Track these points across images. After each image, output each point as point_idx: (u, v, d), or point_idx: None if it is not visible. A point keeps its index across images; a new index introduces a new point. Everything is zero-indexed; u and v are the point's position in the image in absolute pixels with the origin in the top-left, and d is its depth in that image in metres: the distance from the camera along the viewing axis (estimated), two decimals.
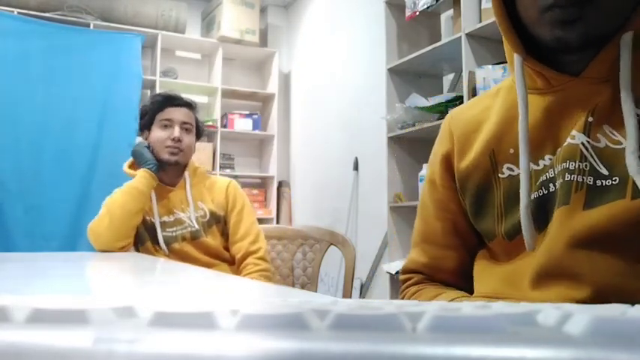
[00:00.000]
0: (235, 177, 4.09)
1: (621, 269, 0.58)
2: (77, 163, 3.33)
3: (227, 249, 1.66)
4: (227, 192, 1.69)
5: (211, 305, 0.22)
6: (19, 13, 3.40)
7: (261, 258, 1.60)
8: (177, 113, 1.67)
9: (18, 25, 3.31)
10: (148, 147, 1.65)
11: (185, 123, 1.68)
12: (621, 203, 0.58)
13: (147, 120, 1.68)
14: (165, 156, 1.64)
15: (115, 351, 0.17)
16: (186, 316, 0.20)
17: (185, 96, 1.75)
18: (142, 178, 1.59)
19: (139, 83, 3.61)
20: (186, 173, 1.68)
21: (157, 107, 1.67)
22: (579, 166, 0.62)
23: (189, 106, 1.72)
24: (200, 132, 1.76)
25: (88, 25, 3.59)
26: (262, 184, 4.35)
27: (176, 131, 1.64)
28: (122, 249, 1.58)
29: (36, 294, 0.61)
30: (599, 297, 0.57)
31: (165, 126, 1.66)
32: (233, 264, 1.64)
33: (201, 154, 3.86)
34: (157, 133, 1.66)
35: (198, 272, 1.04)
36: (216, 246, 1.63)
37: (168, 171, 1.66)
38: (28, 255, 1.48)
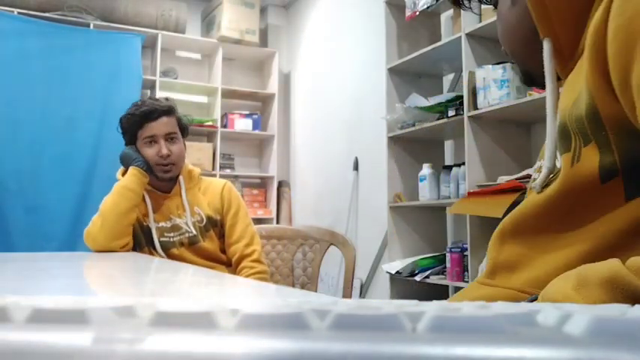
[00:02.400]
0: (235, 177, 4.09)
1: (518, 255, 0.61)
2: (77, 163, 3.33)
3: (224, 251, 1.66)
4: (222, 195, 1.67)
5: (211, 305, 0.22)
6: (19, 13, 3.40)
7: (256, 260, 1.60)
8: (158, 127, 1.61)
9: (18, 25, 3.31)
10: (137, 150, 1.62)
11: (169, 134, 1.62)
12: (531, 197, 0.61)
13: (129, 138, 1.64)
14: (159, 174, 1.62)
15: (115, 351, 0.17)
16: (186, 316, 0.20)
17: (161, 98, 1.70)
18: (131, 176, 1.58)
19: (139, 83, 3.62)
20: (181, 178, 1.67)
21: (135, 126, 1.61)
22: None
23: (168, 113, 1.64)
24: (185, 130, 1.70)
25: (88, 25, 3.59)
26: (262, 184, 4.35)
27: (163, 148, 1.59)
28: (123, 248, 1.57)
29: (36, 294, 0.61)
30: (495, 274, 0.63)
31: (150, 142, 1.61)
32: (230, 266, 1.64)
33: (201, 154, 3.86)
34: (145, 152, 1.62)
35: (198, 272, 1.05)
36: (213, 250, 1.63)
37: (163, 179, 1.65)
38: (28, 255, 1.48)
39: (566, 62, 0.63)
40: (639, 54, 0.48)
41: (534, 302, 0.52)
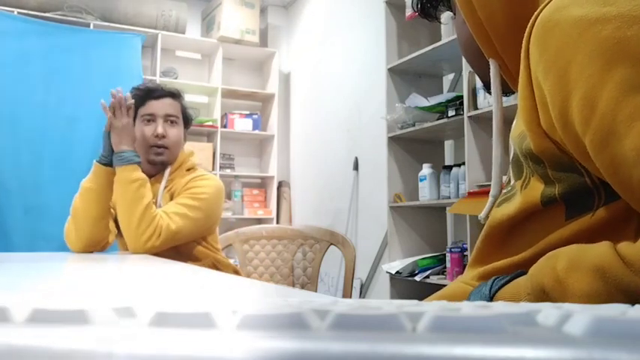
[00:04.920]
0: (235, 177, 4.10)
1: (480, 255, 0.64)
2: (77, 163, 3.33)
3: (199, 243, 1.56)
4: (187, 185, 1.53)
5: (211, 305, 0.22)
6: (19, 13, 3.40)
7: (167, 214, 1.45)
8: (160, 106, 1.55)
9: (18, 25, 3.31)
10: (108, 136, 1.49)
11: (169, 116, 1.55)
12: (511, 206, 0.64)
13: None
14: (150, 157, 1.54)
15: (115, 351, 0.17)
16: (186, 316, 0.20)
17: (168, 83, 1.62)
18: (91, 174, 1.50)
19: (139, 83, 3.61)
20: (168, 170, 1.56)
21: (138, 102, 1.54)
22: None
23: (173, 95, 1.58)
24: (188, 120, 1.63)
25: (88, 25, 3.59)
26: (262, 184, 4.35)
27: (159, 127, 1.53)
28: (104, 248, 1.51)
29: (36, 294, 0.61)
30: (484, 278, 0.63)
31: (149, 121, 1.54)
32: (199, 260, 1.53)
33: (201, 154, 3.86)
34: (141, 130, 1.54)
35: (198, 272, 1.04)
36: (185, 247, 1.52)
37: (153, 162, 1.56)
38: (28, 255, 1.47)
39: (515, 81, 0.63)
40: (574, 89, 0.48)
41: (519, 278, 0.54)
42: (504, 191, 0.68)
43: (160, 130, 1.53)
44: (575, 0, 0.49)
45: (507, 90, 0.68)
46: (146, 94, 1.56)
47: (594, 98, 0.46)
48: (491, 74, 0.65)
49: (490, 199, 0.67)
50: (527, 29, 0.54)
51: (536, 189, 0.58)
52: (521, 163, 0.62)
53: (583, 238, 0.54)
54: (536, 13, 0.53)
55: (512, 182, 0.66)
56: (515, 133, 0.62)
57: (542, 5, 0.53)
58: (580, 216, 0.55)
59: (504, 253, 0.62)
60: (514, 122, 0.64)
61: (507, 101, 2.07)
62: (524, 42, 0.54)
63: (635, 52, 0.45)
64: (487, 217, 0.67)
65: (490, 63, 0.65)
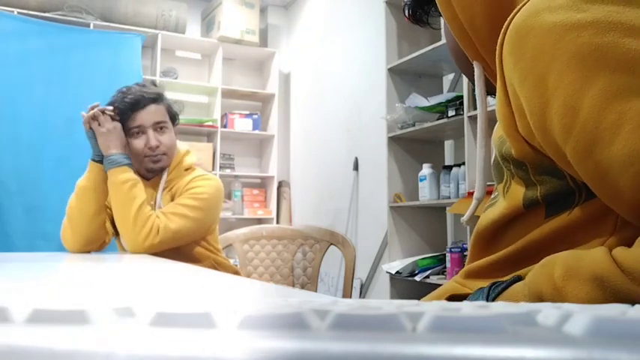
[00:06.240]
0: (235, 177, 4.09)
1: (483, 260, 0.65)
2: (77, 163, 3.31)
3: (199, 244, 1.56)
4: (188, 185, 1.53)
5: (211, 305, 0.22)
6: (19, 13, 3.40)
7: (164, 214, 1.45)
8: (146, 116, 1.51)
9: (18, 25, 3.30)
10: (94, 135, 1.51)
11: (158, 123, 1.53)
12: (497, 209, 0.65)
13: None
14: (149, 165, 1.53)
15: (115, 351, 0.17)
16: (186, 316, 0.20)
17: (147, 84, 1.59)
18: (86, 172, 1.49)
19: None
20: (165, 173, 1.56)
21: (123, 117, 1.52)
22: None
23: (156, 100, 1.54)
24: (175, 118, 1.60)
25: (88, 25, 3.59)
26: (262, 184, 4.35)
27: (151, 139, 1.50)
28: (101, 247, 1.51)
29: (36, 294, 0.61)
30: (468, 276, 0.65)
31: (138, 132, 1.52)
32: (200, 262, 1.53)
33: (201, 154, 3.86)
34: (133, 144, 1.52)
35: (198, 272, 1.04)
36: (186, 247, 1.53)
37: (152, 170, 1.56)
38: (28, 255, 1.47)
39: None
40: (552, 97, 0.47)
41: (516, 284, 0.54)
42: (492, 196, 0.68)
43: (152, 142, 1.51)
44: (548, 6, 0.48)
45: (494, 91, 0.68)
46: (129, 108, 1.52)
47: (575, 106, 0.45)
48: (475, 77, 0.65)
49: (474, 201, 0.67)
50: (500, 36, 0.53)
51: (518, 192, 0.59)
52: (501, 167, 0.62)
53: (562, 235, 0.55)
54: (508, 19, 0.52)
55: (495, 186, 0.66)
56: (496, 136, 0.62)
57: (515, 11, 0.52)
58: (558, 214, 0.55)
59: (488, 255, 0.63)
60: (496, 125, 0.64)
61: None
62: (497, 48, 0.53)
63: (614, 59, 0.44)
64: (470, 219, 0.67)
65: (474, 65, 0.65)
